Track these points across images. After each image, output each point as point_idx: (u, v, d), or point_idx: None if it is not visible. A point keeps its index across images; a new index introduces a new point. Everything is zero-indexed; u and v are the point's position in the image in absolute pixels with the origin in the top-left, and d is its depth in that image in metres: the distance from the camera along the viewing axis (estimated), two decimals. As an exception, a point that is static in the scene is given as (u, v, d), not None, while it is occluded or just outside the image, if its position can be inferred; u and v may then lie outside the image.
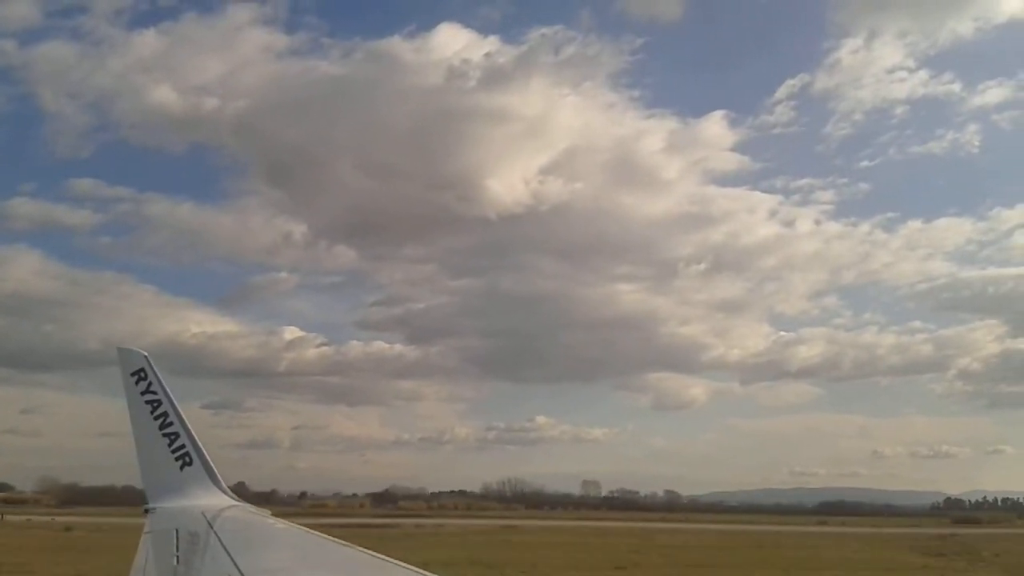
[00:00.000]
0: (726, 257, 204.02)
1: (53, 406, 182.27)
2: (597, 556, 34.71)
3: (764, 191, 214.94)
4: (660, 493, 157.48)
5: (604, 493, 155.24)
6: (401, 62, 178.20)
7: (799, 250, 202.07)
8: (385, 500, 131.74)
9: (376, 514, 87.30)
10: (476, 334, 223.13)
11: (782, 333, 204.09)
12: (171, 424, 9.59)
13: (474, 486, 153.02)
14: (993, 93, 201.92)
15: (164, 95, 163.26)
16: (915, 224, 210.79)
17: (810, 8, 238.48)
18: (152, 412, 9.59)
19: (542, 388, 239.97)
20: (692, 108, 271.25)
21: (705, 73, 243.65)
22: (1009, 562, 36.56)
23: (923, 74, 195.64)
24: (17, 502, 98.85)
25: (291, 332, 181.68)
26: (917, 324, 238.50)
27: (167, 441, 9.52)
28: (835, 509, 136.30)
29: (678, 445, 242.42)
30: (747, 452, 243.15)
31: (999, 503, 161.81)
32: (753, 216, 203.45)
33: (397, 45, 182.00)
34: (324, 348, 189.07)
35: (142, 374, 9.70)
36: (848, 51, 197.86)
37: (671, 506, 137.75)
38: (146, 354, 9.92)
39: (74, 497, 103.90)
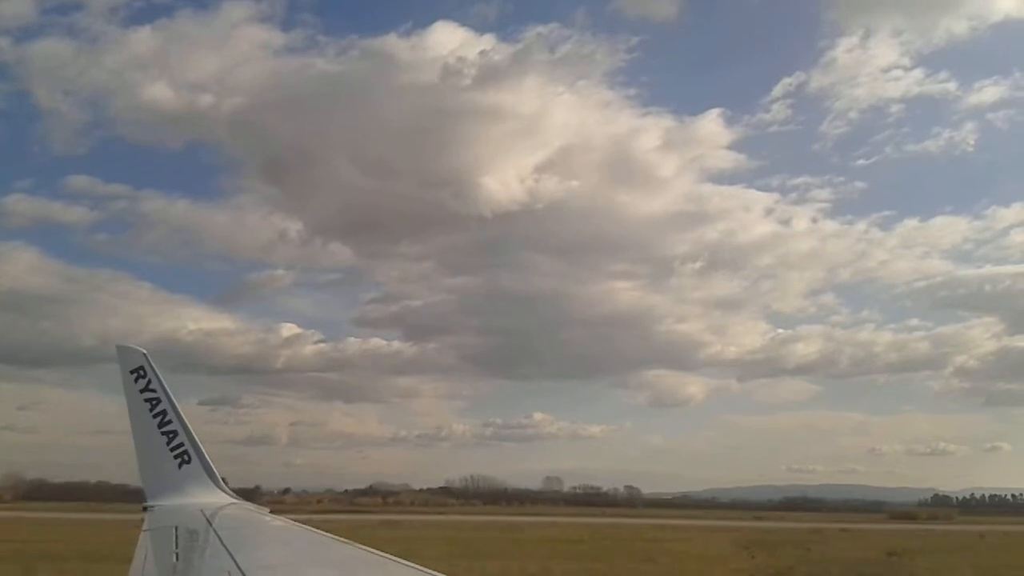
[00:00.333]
0: (722, 255, 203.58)
1: (50, 402, 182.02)
2: (436, 548, 34.73)
3: (760, 189, 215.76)
4: (621, 489, 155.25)
5: (567, 489, 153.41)
6: (396, 60, 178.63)
7: (796, 248, 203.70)
8: (368, 496, 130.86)
9: (320, 510, 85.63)
10: (473, 331, 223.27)
11: (779, 330, 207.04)
12: (170, 422, 9.54)
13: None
14: (989, 92, 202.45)
15: (160, 92, 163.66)
16: (911, 222, 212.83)
17: (804, 7, 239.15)
18: (151, 410, 9.54)
19: (539, 385, 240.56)
20: (688, 106, 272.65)
21: (701, 71, 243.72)
22: (813, 558, 36.48)
23: (918, 73, 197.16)
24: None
25: (288, 329, 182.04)
26: (914, 322, 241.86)
27: (166, 439, 9.47)
28: (797, 505, 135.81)
29: (675, 442, 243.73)
30: (744, 449, 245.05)
31: (986, 500, 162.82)
32: (749, 214, 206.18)
33: (393, 43, 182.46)
34: (321, 345, 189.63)
35: (141, 372, 9.64)
36: (843, 50, 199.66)
37: (632, 502, 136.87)
38: (145, 352, 9.86)
39: (39, 493, 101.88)
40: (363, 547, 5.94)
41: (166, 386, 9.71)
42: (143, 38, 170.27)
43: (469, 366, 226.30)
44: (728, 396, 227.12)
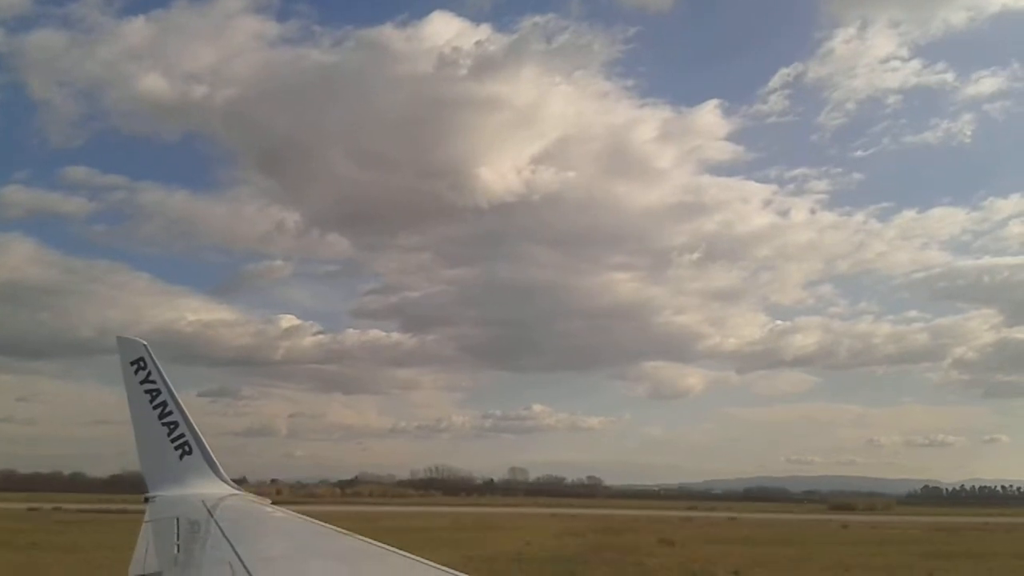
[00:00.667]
0: (721, 246, 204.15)
1: (49, 394, 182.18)
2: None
3: (758, 181, 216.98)
4: (584, 479, 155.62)
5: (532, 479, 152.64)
6: (392, 50, 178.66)
7: (794, 240, 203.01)
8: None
9: (279, 500, 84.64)
10: (472, 323, 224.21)
11: (778, 322, 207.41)
12: (170, 413, 9.46)
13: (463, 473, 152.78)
14: (986, 83, 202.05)
15: (155, 83, 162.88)
16: (909, 214, 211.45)
17: None
18: (151, 401, 9.46)
19: (539, 377, 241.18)
20: (686, 97, 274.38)
21: (699, 62, 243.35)
22: (592, 543, 36.44)
23: (916, 63, 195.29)
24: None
25: (287, 320, 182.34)
26: (913, 313, 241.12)
27: (167, 430, 9.39)
28: (758, 496, 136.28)
29: (675, 434, 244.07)
30: (744, 441, 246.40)
31: (976, 491, 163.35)
32: (747, 205, 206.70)
33: (388, 33, 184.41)
34: (320, 336, 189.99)
35: (141, 363, 9.56)
36: (841, 40, 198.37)
37: (592, 492, 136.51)
38: (145, 343, 9.78)
39: (5, 483, 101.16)
40: (365, 539, 5.87)
41: (166, 377, 9.63)
42: (138, 29, 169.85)
43: (468, 357, 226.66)
44: (727, 388, 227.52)
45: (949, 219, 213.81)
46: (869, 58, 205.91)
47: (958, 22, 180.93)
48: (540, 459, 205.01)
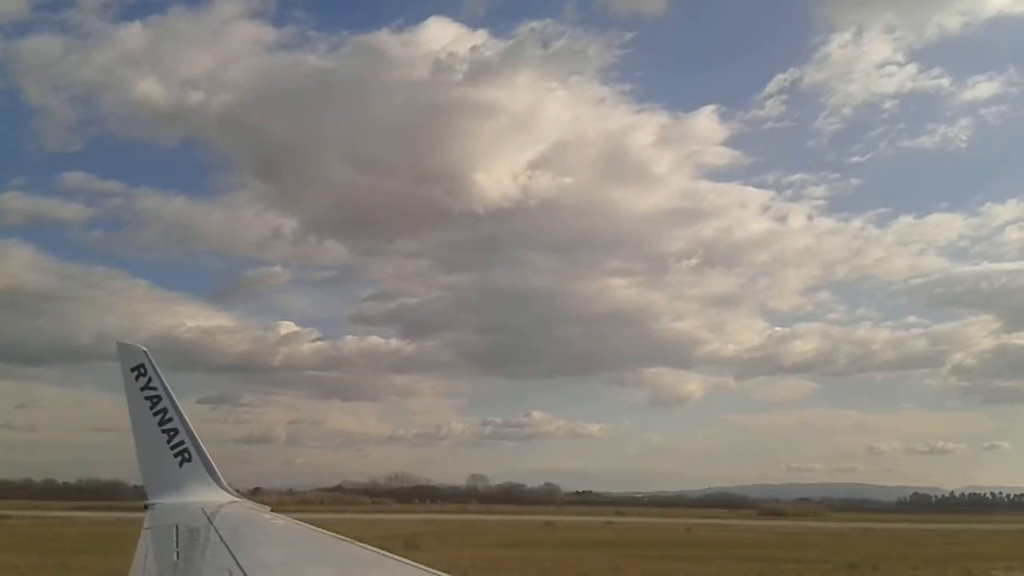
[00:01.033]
0: (719, 252, 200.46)
1: (48, 401, 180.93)
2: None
3: (756, 186, 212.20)
4: (540, 487, 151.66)
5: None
6: (389, 56, 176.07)
7: (792, 245, 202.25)
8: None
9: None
10: (470, 329, 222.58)
11: (776, 328, 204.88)
12: (170, 420, 9.36)
13: (458, 481, 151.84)
14: (982, 87, 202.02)
15: (151, 89, 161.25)
16: (907, 219, 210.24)
17: (794, 3, 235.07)
18: (151, 408, 9.37)
19: (538, 383, 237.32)
20: (683, 103, 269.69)
21: (695, 68, 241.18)
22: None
23: (912, 68, 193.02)
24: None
25: (286, 327, 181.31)
26: (911, 319, 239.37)
27: (166, 437, 9.29)
28: (716, 502, 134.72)
29: (674, 440, 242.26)
30: (743, 447, 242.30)
31: (965, 498, 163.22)
32: (745, 211, 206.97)
33: (385, 39, 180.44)
34: (319, 343, 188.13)
35: (142, 370, 9.47)
36: (837, 46, 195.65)
37: (549, 499, 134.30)
38: (145, 349, 9.69)
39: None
40: (365, 546, 5.81)
41: (166, 384, 9.53)
42: (134, 34, 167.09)
43: (467, 364, 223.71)
44: (727, 394, 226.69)
45: (947, 225, 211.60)
46: (865, 63, 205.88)
47: (952, 27, 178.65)
48: (540, 467, 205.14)
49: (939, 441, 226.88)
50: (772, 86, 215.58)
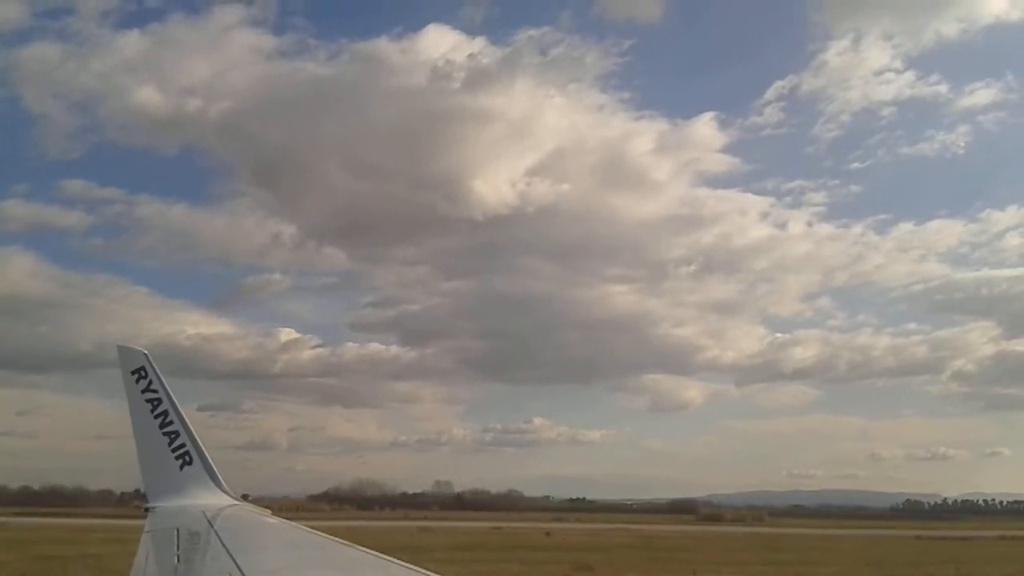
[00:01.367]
0: (718, 259, 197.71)
1: (49, 408, 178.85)
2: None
3: (755, 193, 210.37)
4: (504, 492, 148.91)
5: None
6: (387, 63, 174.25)
7: (791, 252, 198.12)
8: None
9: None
10: (471, 336, 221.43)
11: (777, 335, 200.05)
12: (171, 423, 9.28)
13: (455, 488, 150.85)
14: (981, 94, 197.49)
15: (150, 96, 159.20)
16: (907, 226, 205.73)
17: (791, 10, 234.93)
18: (152, 411, 9.28)
19: (538, 390, 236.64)
20: (681, 110, 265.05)
21: (694, 75, 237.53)
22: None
23: (910, 75, 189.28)
24: None
25: (286, 334, 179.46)
26: (912, 326, 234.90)
27: (167, 440, 9.21)
28: (686, 508, 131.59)
29: (675, 447, 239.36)
30: (744, 454, 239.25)
31: (951, 504, 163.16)
32: (745, 218, 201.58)
33: (383, 46, 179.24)
34: (319, 350, 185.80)
35: (142, 372, 9.39)
36: (835, 52, 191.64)
37: (512, 506, 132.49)
38: (146, 352, 9.61)
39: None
40: (366, 549, 5.75)
41: (167, 387, 9.44)
42: (134, 42, 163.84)
43: (467, 370, 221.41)
44: (727, 400, 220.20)
45: (946, 231, 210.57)
46: (863, 70, 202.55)
47: (950, 34, 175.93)
48: (540, 473, 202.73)
49: (940, 447, 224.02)
50: (770, 93, 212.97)
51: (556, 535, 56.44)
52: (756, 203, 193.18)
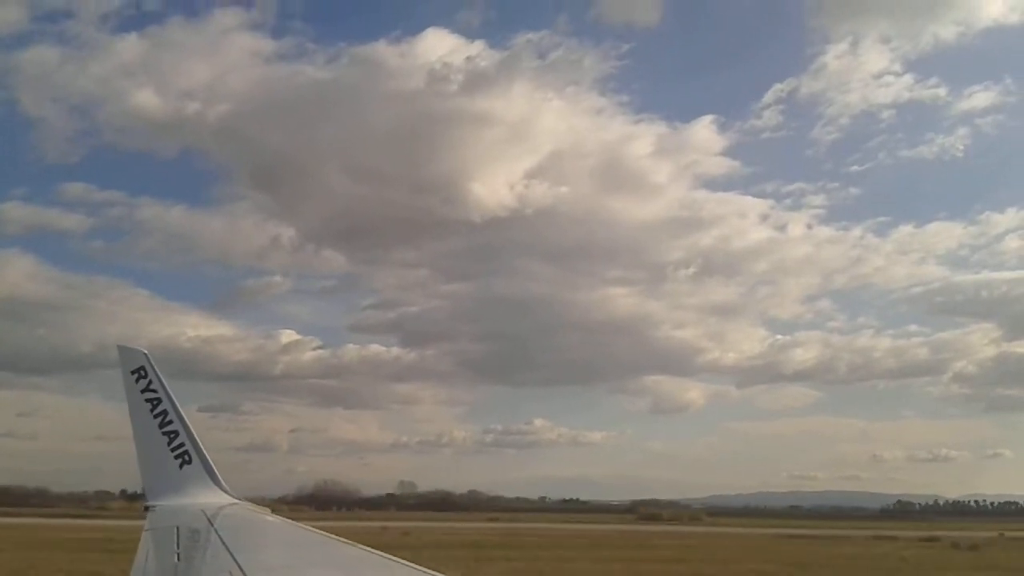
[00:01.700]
0: (718, 261, 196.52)
1: (50, 409, 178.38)
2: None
3: (755, 195, 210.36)
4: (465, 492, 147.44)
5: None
6: (386, 66, 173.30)
7: (791, 254, 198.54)
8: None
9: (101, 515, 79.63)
10: (471, 338, 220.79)
11: (777, 336, 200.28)
12: (171, 422, 9.22)
13: (461, 488, 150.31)
14: (979, 97, 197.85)
15: (148, 100, 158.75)
16: (907, 228, 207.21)
17: (788, 13, 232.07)
18: (152, 410, 9.23)
19: (538, 392, 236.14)
20: (680, 113, 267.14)
21: (692, 78, 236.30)
22: None
23: (908, 78, 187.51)
24: None
25: (287, 335, 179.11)
26: (912, 328, 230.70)
27: (167, 439, 9.15)
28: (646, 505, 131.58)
29: (676, 448, 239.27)
30: (745, 455, 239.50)
31: (942, 505, 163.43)
32: (744, 220, 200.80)
33: (382, 50, 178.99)
34: (320, 351, 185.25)
35: (142, 372, 9.34)
36: (833, 56, 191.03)
37: (476, 506, 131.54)
38: (146, 352, 9.56)
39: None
40: (366, 548, 5.72)
41: (167, 387, 9.39)
42: (132, 45, 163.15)
43: (467, 372, 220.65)
44: (728, 402, 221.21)
45: (946, 233, 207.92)
46: (862, 73, 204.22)
47: (948, 37, 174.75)
48: (541, 475, 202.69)
49: (941, 449, 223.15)
50: (769, 96, 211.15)
51: (431, 534, 52.97)
52: (756, 206, 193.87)
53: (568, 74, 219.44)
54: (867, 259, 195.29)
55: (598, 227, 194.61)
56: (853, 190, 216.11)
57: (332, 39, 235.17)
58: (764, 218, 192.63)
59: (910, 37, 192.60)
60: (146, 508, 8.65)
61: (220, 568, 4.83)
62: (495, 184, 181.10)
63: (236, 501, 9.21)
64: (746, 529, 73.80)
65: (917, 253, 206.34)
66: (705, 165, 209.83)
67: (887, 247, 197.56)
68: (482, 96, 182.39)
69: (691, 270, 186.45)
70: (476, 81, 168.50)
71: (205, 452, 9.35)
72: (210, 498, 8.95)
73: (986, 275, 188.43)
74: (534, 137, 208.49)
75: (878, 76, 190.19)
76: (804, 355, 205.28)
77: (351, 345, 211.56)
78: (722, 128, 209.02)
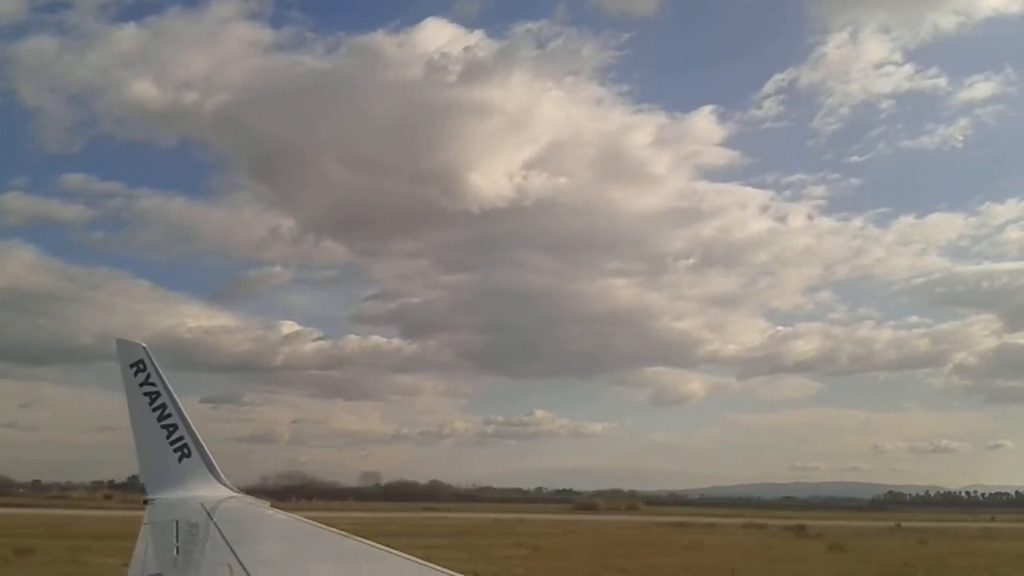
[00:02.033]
0: (718, 252, 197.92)
1: (51, 400, 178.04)
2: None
3: (755, 186, 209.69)
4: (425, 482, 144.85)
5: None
6: (384, 56, 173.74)
7: (792, 245, 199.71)
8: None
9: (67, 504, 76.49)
10: (471, 329, 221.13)
11: (778, 328, 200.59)
12: (169, 416, 9.16)
13: (460, 480, 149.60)
14: (980, 87, 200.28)
15: (147, 90, 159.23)
16: (907, 219, 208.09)
17: (789, 3, 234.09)
18: (151, 404, 9.16)
19: (540, 383, 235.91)
20: (680, 103, 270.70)
21: (692, 68, 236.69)
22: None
23: (909, 68, 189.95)
24: None
25: (288, 326, 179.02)
26: (913, 319, 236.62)
27: (165, 433, 9.09)
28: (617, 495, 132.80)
29: (677, 439, 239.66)
30: (747, 447, 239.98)
31: (932, 496, 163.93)
32: (745, 211, 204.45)
33: (381, 40, 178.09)
34: (321, 342, 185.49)
35: (141, 365, 9.27)
36: (834, 46, 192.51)
37: (435, 496, 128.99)
38: (145, 346, 9.49)
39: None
40: (365, 541, 5.67)
41: (166, 380, 9.32)
42: (131, 35, 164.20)
43: (469, 363, 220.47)
44: (729, 393, 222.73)
45: (947, 224, 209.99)
46: (862, 63, 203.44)
47: (948, 26, 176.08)
48: (542, 465, 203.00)
49: (943, 440, 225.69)
50: (769, 86, 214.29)
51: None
52: (756, 196, 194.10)
53: (567, 64, 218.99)
54: (868, 250, 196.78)
55: (598, 218, 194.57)
56: (854, 181, 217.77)
57: (331, 29, 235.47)
58: (764, 209, 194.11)
59: (910, 27, 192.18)
60: (145, 502, 8.59)
61: (219, 562, 4.75)
62: (494, 174, 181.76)
63: (235, 494, 9.15)
64: (666, 518, 71.34)
65: (918, 244, 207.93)
66: (705, 156, 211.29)
67: (888, 238, 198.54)
68: (481, 86, 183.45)
69: (691, 261, 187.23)
70: (475, 71, 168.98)
71: (204, 445, 9.29)
72: (209, 491, 8.89)
73: (987, 266, 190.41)
74: (533, 127, 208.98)
75: (878, 66, 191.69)
76: (805, 346, 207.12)
77: (352, 336, 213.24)
78: (722, 118, 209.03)
